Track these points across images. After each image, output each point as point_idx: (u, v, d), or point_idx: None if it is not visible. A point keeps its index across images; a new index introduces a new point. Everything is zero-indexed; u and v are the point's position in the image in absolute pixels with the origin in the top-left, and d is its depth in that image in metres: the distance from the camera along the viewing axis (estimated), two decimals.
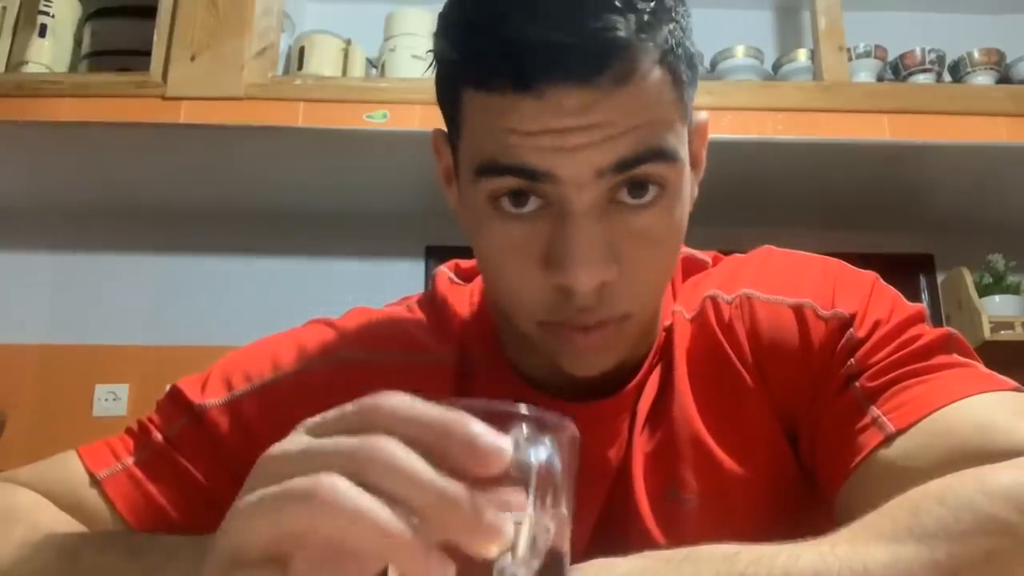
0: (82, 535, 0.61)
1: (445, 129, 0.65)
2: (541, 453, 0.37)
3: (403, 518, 0.33)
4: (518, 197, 0.58)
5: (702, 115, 0.67)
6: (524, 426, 0.37)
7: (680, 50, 0.58)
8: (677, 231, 0.62)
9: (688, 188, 0.62)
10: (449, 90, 0.61)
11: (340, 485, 0.33)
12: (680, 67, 0.58)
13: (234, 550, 0.36)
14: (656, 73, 0.56)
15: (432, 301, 0.76)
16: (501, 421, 0.36)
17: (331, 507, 0.33)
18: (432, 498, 0.33)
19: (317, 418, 0.38)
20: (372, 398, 0.37)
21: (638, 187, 0.58)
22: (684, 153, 0.60)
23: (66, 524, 0.64)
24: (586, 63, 0.54)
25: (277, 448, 0.37)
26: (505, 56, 0.55)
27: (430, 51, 0.63)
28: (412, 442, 0.35)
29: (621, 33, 0.54)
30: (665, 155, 0.57)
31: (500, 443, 0.34)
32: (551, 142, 0.55)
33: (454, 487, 0.34)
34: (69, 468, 0.68)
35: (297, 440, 0.37)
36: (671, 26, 0.57)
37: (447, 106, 0.63)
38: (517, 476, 0.36)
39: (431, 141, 0.69)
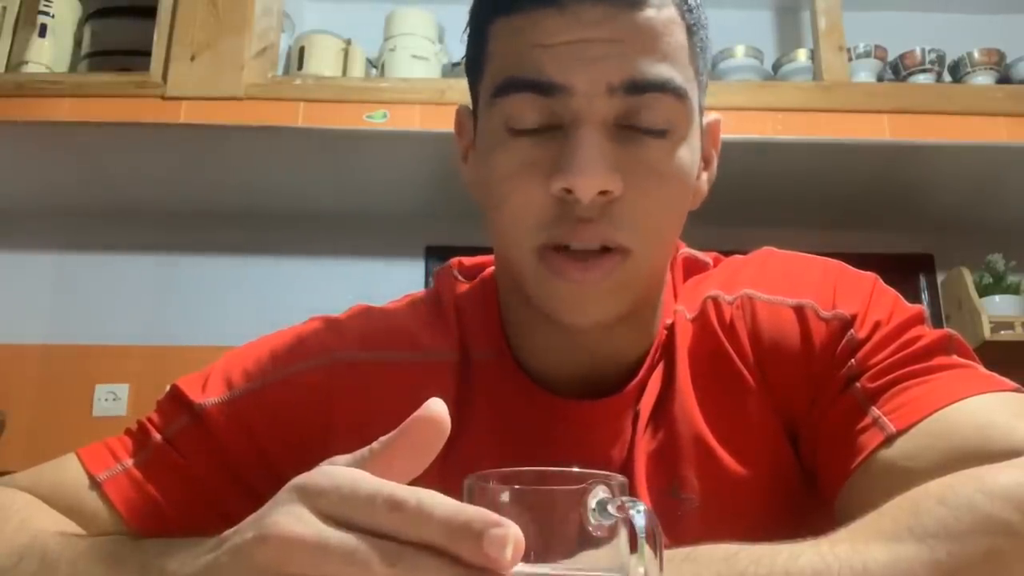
0: (69, 541, 0.59)
1: (470, 106, 0.69)
2: (641, 514, 0.39)
3: None
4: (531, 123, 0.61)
5: (713, 115, 0.69)
6: (601, 487, 0.39)
7: (695, 12, 0.63)
8: (683, 175, 0.63)
9: (697, 141, 0.65)
10: (478, 32, 0.65)
11: None
12: (693, 22, 0.63)
13: None
14: (669, 11, 0.61)
15: (436, 298, 0.76)
16: (579, 482, 0.39)
17: None
18: None
19: (317, 485, 0.37)
20: (390, 493, 0.36)
21: (647, 121, 0.60)
22: (694, 100, 0.63)
23: (59, 523, 0.64)
24: None
25: (286, 525, 0.36)
26: None
27: (464, 33, 0.68)
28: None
29: None
30: (674, 89, 0.61)
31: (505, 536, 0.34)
32: (568, 53, 0.59)
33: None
34: (69, 471, 0.68)
35: (311, 523, 0.36)
36: None
37: (474, 54, 0.66)
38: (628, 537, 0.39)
39: (455, 119, 0.72)
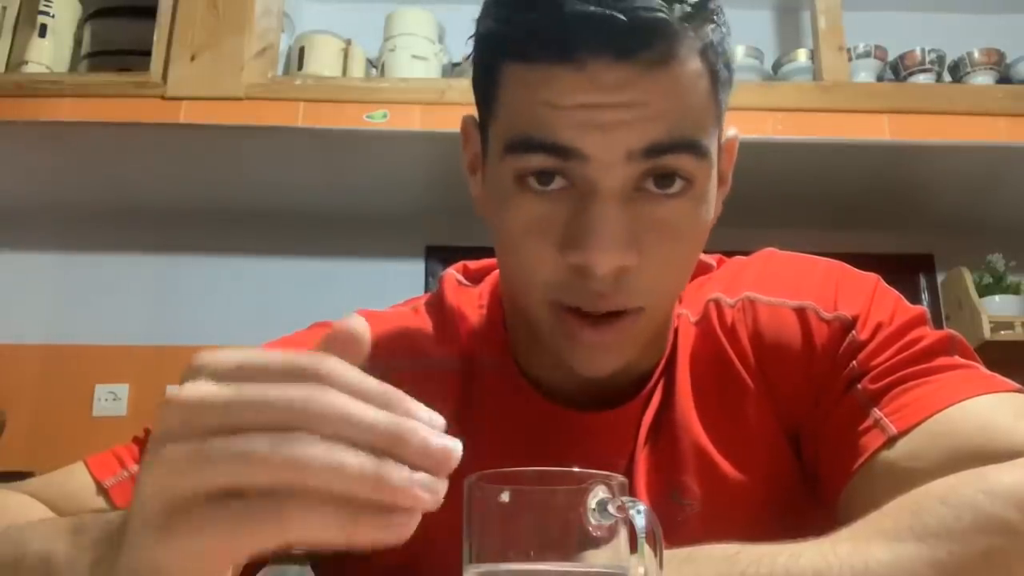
0: (40, 522, 0.57)
1: (476, 116, 0.66)
2: (641, 514, 0.39)
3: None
4: (543, 176, 0.58)
5: (731, 131, 0.67)
6: (601, 487, 0.39)
7: (719, 49, 0.59)
8: (700, 230, 0.61)
9: (714, 192, 0.62)
10: (488, 67, 0.61)
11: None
12: (718, 66, 0.59)
13: (169, 498, 0.34)
14: (695, 64, 0.57)
15: (439, 304, 0.75)
16: (579, 482, 0.39)
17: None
18: (384, 435, 0.33)
19: (229, 363, 0.35)
20: (311, 361, 0.34)
21: (665, 178, 0.58)
22: (714, 152, 0.61)
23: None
24: (628, 38, 0.54)
25: (192, 392, 0.34)
26: (549, 27, 0.55)
27: (470, 37, 0.64)
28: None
29: (664, 16, 0.55)
30: (696, 148, 0.58)
31: (449, 445, 0.33)
32: (585, 117, 0.55)
33: (403, 422, 0.33)
34: (77, 478, 0.68)
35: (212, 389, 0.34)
36: (712, 25, 0.58)
37: (483, 86, 0.63)
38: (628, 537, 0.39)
39: (460, 127, 0.69)
